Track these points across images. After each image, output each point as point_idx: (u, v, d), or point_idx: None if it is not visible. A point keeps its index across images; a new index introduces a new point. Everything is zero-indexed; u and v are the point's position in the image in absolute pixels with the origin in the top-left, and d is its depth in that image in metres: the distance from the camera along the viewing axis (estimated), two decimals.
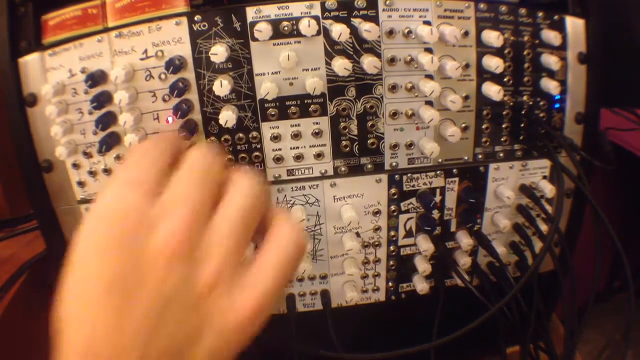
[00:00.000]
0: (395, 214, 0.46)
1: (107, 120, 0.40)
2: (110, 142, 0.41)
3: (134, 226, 0.24)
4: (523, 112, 0.45)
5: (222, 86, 0.38)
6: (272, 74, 0.40)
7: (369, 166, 0.44)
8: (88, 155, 0.43)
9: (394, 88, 0.42)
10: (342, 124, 0.42)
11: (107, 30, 0.40)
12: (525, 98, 0.45)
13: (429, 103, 0.43)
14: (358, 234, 0.46)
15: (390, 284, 0.50)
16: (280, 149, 0.43)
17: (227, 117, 0.39)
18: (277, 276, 0.26)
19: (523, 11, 0.43)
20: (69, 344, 0.24)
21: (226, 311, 0.25)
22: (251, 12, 0.39)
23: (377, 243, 0.47)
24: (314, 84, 0.39)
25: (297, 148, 0.43)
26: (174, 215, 0.24)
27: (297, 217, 0.43)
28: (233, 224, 0.26)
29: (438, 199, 0.46)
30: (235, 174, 0.28)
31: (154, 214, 0.24)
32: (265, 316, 0.26)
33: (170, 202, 0.25)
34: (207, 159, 0.28)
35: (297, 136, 0.42)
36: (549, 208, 0.46)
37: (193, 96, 0.41)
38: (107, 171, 0.43)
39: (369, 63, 0.39)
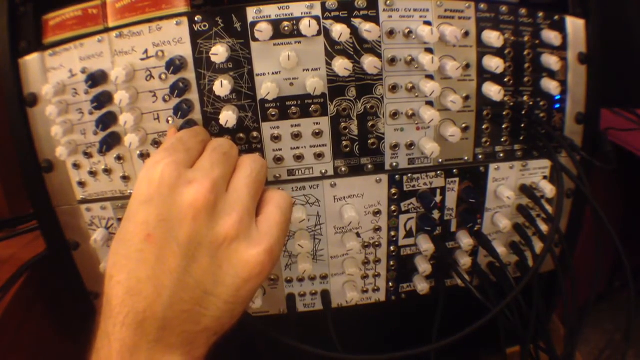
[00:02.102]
0: (395, 214, 0.46)
1: (107, 120, 0.40)
2: (111, 142, 0.41)
3: (169, 186, 0.30)
4: (523, 112, 0.45)
5: (223, 86, 0.38)
6: (273, 74, 0.40)
7: (369, 166, 0.44)
8: (88, 155, 0.43)
9: (394, 88, 0.42)
10: (342, 124, 0.42)
11: (107, 30, 0.40)
12: (525, 98, 0.45)
13: (429, 103, 0.43)
14: (358, 234, 0.47)
15: (390, 284, 0.50)
16: (280, 149, 0.43)
17: (228, 117, 0.39)
18: (280, 229, 0.33)
19: (523, 11, 0.43)
20: (117, 282, 0.29)
21: (244, 255, 0.31)
22: (251, 12, 0.39)
23: (377, 243, 0.47)
24: (314, 84, 0.39)
25: (297, 148, 0.43)
26: (200, 181, 0.31)
27: (298, 217, 0.43)
28: (245, 187, 0.33)
29: (438, 199, 0.46)
30: (244, 154, 0.37)
31: (185, 179, 0.31)
32: (273, 265, 0.32)
33: (198, 172, 0.32)
34: (226, 144, 0.36)
35: (297, 136, 0.42)
36: (549, 208, 0.46)
37: (193, 96, 0.41)
38: (108, 171, 0.43)
39: (369, 63, 0.39)
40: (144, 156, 0.42)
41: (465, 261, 0.48)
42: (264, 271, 0.31)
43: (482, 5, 0.42)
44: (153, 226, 0.30)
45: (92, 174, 0.43)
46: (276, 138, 0.42)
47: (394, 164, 0.45)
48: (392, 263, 0.49)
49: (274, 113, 0.41)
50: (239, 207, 0.32)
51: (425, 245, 0.46)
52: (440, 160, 0.45)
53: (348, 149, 0.43)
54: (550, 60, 0.43)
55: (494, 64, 0.41)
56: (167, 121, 0.41)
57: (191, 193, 0.30)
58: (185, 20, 0.39)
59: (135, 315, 0.28)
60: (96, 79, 0.39)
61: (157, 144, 0.42)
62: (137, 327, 0.28)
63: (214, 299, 0.30)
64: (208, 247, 0.30)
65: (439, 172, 0.46)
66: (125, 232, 0.31)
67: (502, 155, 0.46)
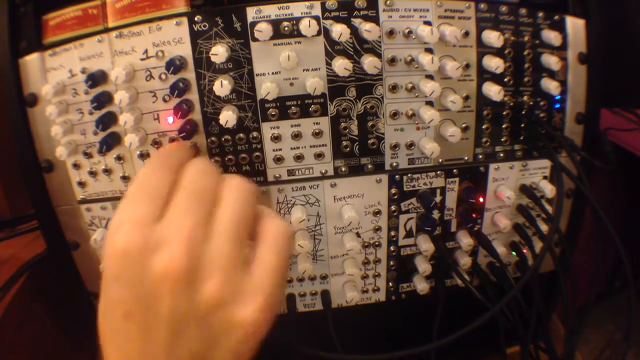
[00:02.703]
0: (395, 213, 0.46)
1: (107, 120, 0.40)
2: (111, 142, 0.41)
3: (135, 258, 0.26)
4: (523, 112, 0.45)
5: (222, 86, 0.38)
6: (272, 74, 0.40)
7: (369, 166, 0.44)
8: (88, 155, 0.43)
9: (394, 88, 0.42)
10: (342, 124, 0.42)
11: (107, 30, 0.40)
12: (525, 98, 0.45)
13: (429, 103, 0.43)
14: (358, 234, 0.47)
15: (390, 284, 0.50)
16: (280, 149, 0.43)
17: (227, 117, 0.39)
18: (276, 275, 0.29)
19: (523, 11, 0.43)
20: (107, 356, 0.27)
21: (237, 318, 0.27)
22: (251, 12, 0.39)
23: (377, 243, 0.47)
24: (314, 84, 0.39)
25: (297, 148, 0.43)
26: (172, 243, 0.26)
27: (298, 217, 0.43)
28: (228, 235, 0.28)
29: (438, 199, 0.46)
30: (226, 180, 0.31)
31: (155, 242, 0.26)
32: (273, 314, 0.28)
33: (168, 229, 0.27)
34: (200, 179, 0.30)
35: (297, 136, 0.42)
36: (549, 208, 0.46)
37: (193, 96, 0.41)
38: (107, 171, 0.43)
39: (369, 63, 0.39)
40: (144, 156, 0.42)
41: (465, 261, 0.48)
42: (261, 328, 0.28)
43: (482, 5, 0.42)
44: (130, 304, 0.26)
45: (92, 174, 0.43)
46: (276, 138, 0.42)
47: (394, 164, 0.45)
48: (392, 263, 0.49)
49: (274, 113, 0.41)
50: (223, 263, 0.27)
51: (425, 245, 0.46)
52: (440, 160, 0.45)
53: (348, 149, 0.43)
54: (550, 60, 0.43)
55: (494, 64, 0.41)
56: (167, 121, 0.41)
57: (163, 261, 0.26)
58: (185, 20, 0.39)
59: None
60: (96, 79, 0.39)
61: (157, 144, 0.42)
62: None
63: None
64: (194, 318, 0.26)
65: (439, 172, 0.46)
66: (105, 306, 0.28)
67: (502, 155, 0.46)
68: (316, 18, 0.39)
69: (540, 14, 0.44)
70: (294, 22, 0.39)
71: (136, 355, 0.26)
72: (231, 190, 0.30)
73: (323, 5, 0.39)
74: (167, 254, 0.26)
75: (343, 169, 0.44)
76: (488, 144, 0.46)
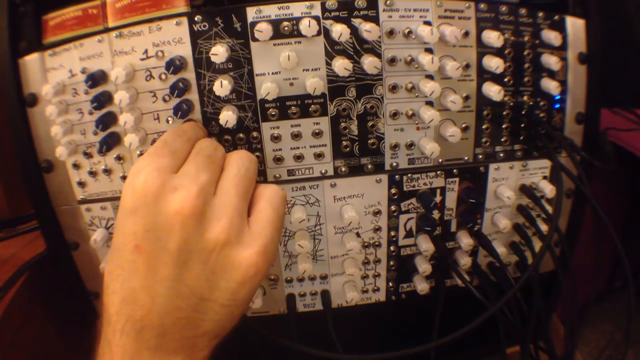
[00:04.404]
0: (395, 214, 0.46)
1: (107, 120, 0.40)
2: (111, 142, 0.41)
3: (153, 194, 0.29)
4: (523, 112, 0.45)
5: (222, 86, 0.38)
6: (272, 74, 0.40)
7: (369, 166, 0.44)
8: (88, 155, 0.43)
9: (394, 88, 0.42)
10: (342, 124, 0.42)
11: (107, 30, 0.40)
12: (525, 98, 0.45)
13: (429, 103, 0.43)
14: (358, 234, 0.46)
15: (390, 284, 0.50)
16: (280, 149, 0.43)
17: (227, 117, 0.39)
18: (273, 226, 0.32)
19: (523, 11, 0.43)
20: (112, 292, 0.29)
21: (237, 258, 0.30)
22: (251, 12, 0.39)
23: (377, 243, 0.47)
24: (314, 84, 0.39)
25: (297, 148, 0.43)
26: (187, 187, 0.30)
27: (298, 217, 0.43)
28: (234, 188, 0.32)
29: (438, 199, 0.46)
30: (232, 151, 0.36)
31: (170, 186, 0.30)
32: (269, 265, 0.32)
33: (183, 178, 0.31)
34: (210, 146, 0.35)
35: (297, 136, 0.42)
36: (549, 208, 0.46)
37: (193, 96, 0.41)
38: (107, 171, 0.43)
39: (369, 63, 0.39)
40: None
41: (465, 261, 0.48)
42: (260, 272, 0.31)
43: (482, 5, 0.42)
44: (141, 237, 0.29)
45: (92, 174, 0.43)
46: (276, 138, 0.42)
47: (394, 164, 0.45)
48: (392, 263, 0.49)
49: (273, 113, 0.41)
50: (228, 210, 0.31)
51: (425, 245, 0.46)
52: (440, 160, 0.45)
53: (348, 149, 0.43)
54: (550, 60, 0.43)
55: (494, 64, 0.41)
56: (167, 121, 0.41)
57: (177, 200, 0.29)
58: (185, 20, 0.39)
59: (133, 323, 0.29)
60: (96, 79, 0.39)
61: None
62: (136, 334, 0.28)
63: (211, 304, 0.30)
64: (199, 254, 0.29)
65: (439, 172, 0.46)
66: (116, 242, 0.30)
67: (502, 155, 0.46)
68: (316, 18, 0.39)
69: (540, 14, 0.44)
70: (294, 22, 0.39)
71: (139, 289, 0.28)
72: (236, 156, 0.35)
73: (323, 5, 0.39)
74: (181, 194, 0.29)
75: (343, 169, 0.44)
76: (488, 144, 0.46)
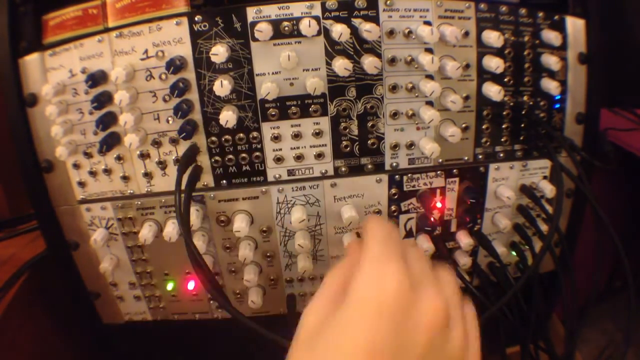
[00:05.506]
0: (395, 213, 0.46)
1: (107, 120, 0.40)
2: (111, 142, 0.41)
3: (405, 301, 0.26)
4: (523, 112, 0.45)
5: (223, 86, 0.38)
6: (272, 74, 0.40)
7: (369, 166, 0.44)
8: (88, 155, 0.43)
9: (394, 88, 0.42)
10: (342, 124, 0.42)
11: (107, 30, 0.40)
12: (525, 98, 0.45)
13: (429, 103, 0.43)
14: (358, 234, 0.46)
15: None
16: (280, 149, 0.43)
17: (227, 117, 0.39)
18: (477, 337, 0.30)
19: (523, 11, 0.43)
20: None
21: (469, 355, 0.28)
22: (251, 12, 0.39)
23: None
24: (314, 84, 0.39)
25: (297, 148, 0.43)
26: (430, 293, 0.27)
27: (298, 217, 0.43)
28: (455, 289, 0.30)
29: (438, 199, 0.46)
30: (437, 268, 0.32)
31: (414, 290, 0.27)
32: None
33: (423, 278, 0.28)
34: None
35: (297, 136, 0.42)
36: (549, 208, 0.46)
37: (193, 96, 0.41)
38: (108, 171, 0.43)
39: (369, 63, 0.39)
40: (143, 156, 0.42)
41: (465, 261, 0.48)
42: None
43: (482, 5, 0.42)
44: (380, 346, 0.25)
45: (92, 174, 0.43)
46: (276, 138, 0.42)
47: (394, 164, 0.45)
48: None
49: (274, 113, 0.41)
50: (459, 315, 0.29)
51: (425, 245, 0.46)
52: (440, 160, 0.45)
53: (348, 149, 0.43)
54: (550, 60, 0.43)
55: (494, 64, 0.41)
56: (167, 121, 0.41)
57: (429, 308, 0.27)
58: (185, 20, 0.39)
59: None
60: (96, 79, 0.39)
61: (157, 144, 0.42)
62: None
63: None
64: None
65: (439, 172, 0.46)
66: (331, 342, 0.25)
67: (502, 155, 0.46)
68: (316, 18, 0.39)
69: (540, 14, 0.44)
70: (294, 22, 0.39)
71: None
72: (448, 279, 0.31)
73: (323, 5, 0.39)
74: (430, 301, 0.27)
75: (343, 169, 0.44)
76: (488, 144, 0.46)
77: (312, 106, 0.41)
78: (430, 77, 0.42)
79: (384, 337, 0.25)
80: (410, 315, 0.26)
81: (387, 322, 0.25)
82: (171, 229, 0.42)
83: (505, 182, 0.47)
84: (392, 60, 0.41)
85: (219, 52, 0.38)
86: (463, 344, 0.28)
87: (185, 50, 0.39)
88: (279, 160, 0.43)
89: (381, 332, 0.25)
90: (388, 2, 0.40)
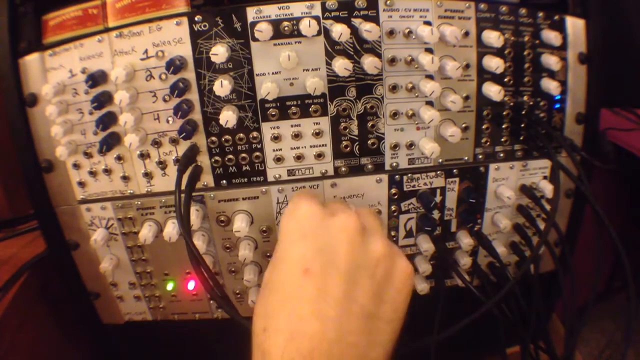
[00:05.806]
0: (395, 213, 0.46)
1: (107, 120, 0.40)
2: (111, 142, 0.41)
3: (318, 218, 0.32)
4: (523, 112, 0.45)
5: (223, 86, 0.38)
6: (272, 74, 0.40)
7: (369, 166, 0.44)
8: (88, 155, 0.43)
9: (394, 88, 0.42)
10: (342, 124, 0.42)
11: (107, 30, 0.40)
12: (525, 98, 0.45)
13: (429, 103, 0.43)
14: None
15: None
16: (280, 149, 0.43)
17: (227, 117, 0.39)
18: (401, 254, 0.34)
19: (523, 11, 0.43)
20: (274, 331, 0.28)
21: (396, 268, 0.31)
22: (251, 12, 0.39)
23: None
24: (314, 84, 0.39)
25: (298, 148, 0.43)
26: (344, 210, 0.32)
27: None
28: (373, 215, 0.35)
29: (438, 199, 0.46)
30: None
31: (329, 212, 0.33)
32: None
33: (334, 207, 0.34)
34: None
35: (297, 136, 0.42)
36: (549, 208, 0.46)
37: (193, 96, 0.41)
38: (108, 171, 0.43)
39: (369, 63, 0.39)
40: (143, 156, 0.42)
41: (465, 261, 0.48)
42: (411, 276, 0.32)
43: (482, 5, 0.42)
44: (310, 259, 0.29)
45: (92, 174, 0.43)
46: (276, 138, 0.42)
47: (394, 164, 0.45)
48: None
49: (274, 113, 0.41)
50: (379, 231, 0.33)
51: (425, 245, 0.46)
52: (440, 160, 0.45)
53: (348, 149, 0.43)
54: (550, 60, 0.43)
55: (494, 64, 0.41)
56: (167, 121, 0.41)
57: (341, 220, 0.31)
58: (185, 20, 0.39)
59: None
60: (96, 79, 0.39)
61: (157, 144, 0.42)
62: None
63: (378, 322, 0.29)
64: (366, 267, 0.30)
65: (439, 172, 0.46)
66: (276, 280, 0.30)
67: (502, 155, 0.46)
68: (316, 18, 0.39)
69: (540, 14, 0.44)
70: (294, 22, 0.39)
71: (308, 316, 0.28)
72: (367, 210, 0.36)
73: (323, 5, 0.39)
74: (343, 214, 0.32)
75: (343, 169, 0.44)
76: (488, 144, 0.46)
77: (312, 106, 0.41)
78: (430, 77, 0.42)
79: (309, 248, 0.30)
80: (325, 226, 0.31)
81: (309, 236, 0.31)
82: (171, 229, 0.42)
83: (505, 182, 0.47)
84: (392, 60, 0.41)
85: (219, 52, 0.38)
86: (383, 249, 0.31)
87: (185, 50, 0.39)
88: (279, 160, 0.43)
89: (306, 245, 0.30)
90: (388, 2, 0.40)
